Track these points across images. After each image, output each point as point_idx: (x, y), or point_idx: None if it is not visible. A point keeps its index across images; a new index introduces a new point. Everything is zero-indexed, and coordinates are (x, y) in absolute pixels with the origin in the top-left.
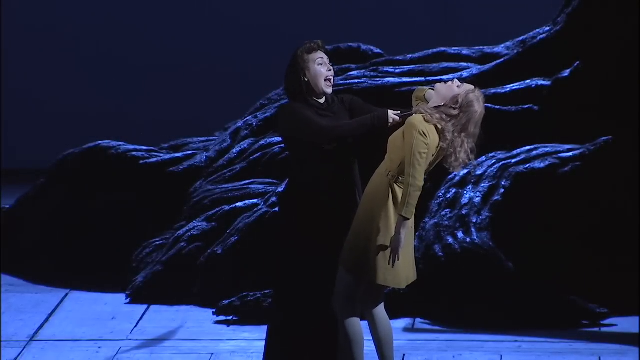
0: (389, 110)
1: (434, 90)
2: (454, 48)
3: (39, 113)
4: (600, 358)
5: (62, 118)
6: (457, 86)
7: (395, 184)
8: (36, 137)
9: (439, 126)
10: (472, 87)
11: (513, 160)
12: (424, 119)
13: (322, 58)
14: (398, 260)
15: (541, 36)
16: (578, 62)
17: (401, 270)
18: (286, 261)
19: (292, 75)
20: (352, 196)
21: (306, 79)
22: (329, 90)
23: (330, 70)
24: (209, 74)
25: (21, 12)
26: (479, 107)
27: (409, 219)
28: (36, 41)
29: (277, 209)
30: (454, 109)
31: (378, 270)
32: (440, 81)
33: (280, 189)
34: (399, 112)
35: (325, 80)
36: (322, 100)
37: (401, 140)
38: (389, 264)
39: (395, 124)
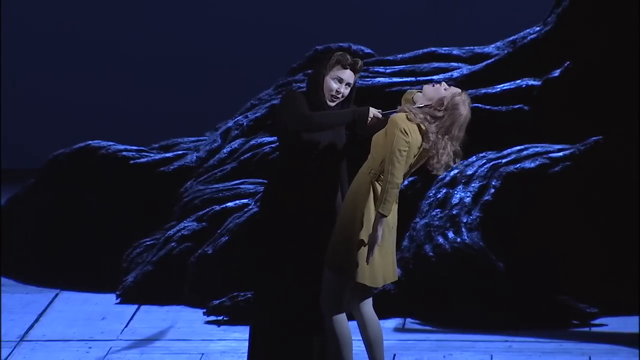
0: (370, 108)
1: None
2: (444, 48)
3: (39, 113)
4: (590, 358)
5: (63, 118)
6: (445, 89)
7: (376, 182)
8: (37, 137)
9: (422, 126)
10: (459, 90)
11: (503, 160)
12: (407, 117)
13: (342, 79)
14: (372, 256)
15: (531, 36)
16: (568, 62)
17: (378, 269)
18: (268, 261)
19: (314, 70)
20: (335, 198)
21: (318, 81)
22: (331, 105)
23: (339, 92)
24: (200, 74)
25: (20, 14)
26: (464, 110)
27: (386, 216)
28: (35, 41)
29: (258, 209)
30: (439, 110)
31: (357, 268)
32: (430, 81)
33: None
34: (381, 110)
35: (331, 95)
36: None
37: (384, 138)
38: (366, 262)
39: (377, 123)
